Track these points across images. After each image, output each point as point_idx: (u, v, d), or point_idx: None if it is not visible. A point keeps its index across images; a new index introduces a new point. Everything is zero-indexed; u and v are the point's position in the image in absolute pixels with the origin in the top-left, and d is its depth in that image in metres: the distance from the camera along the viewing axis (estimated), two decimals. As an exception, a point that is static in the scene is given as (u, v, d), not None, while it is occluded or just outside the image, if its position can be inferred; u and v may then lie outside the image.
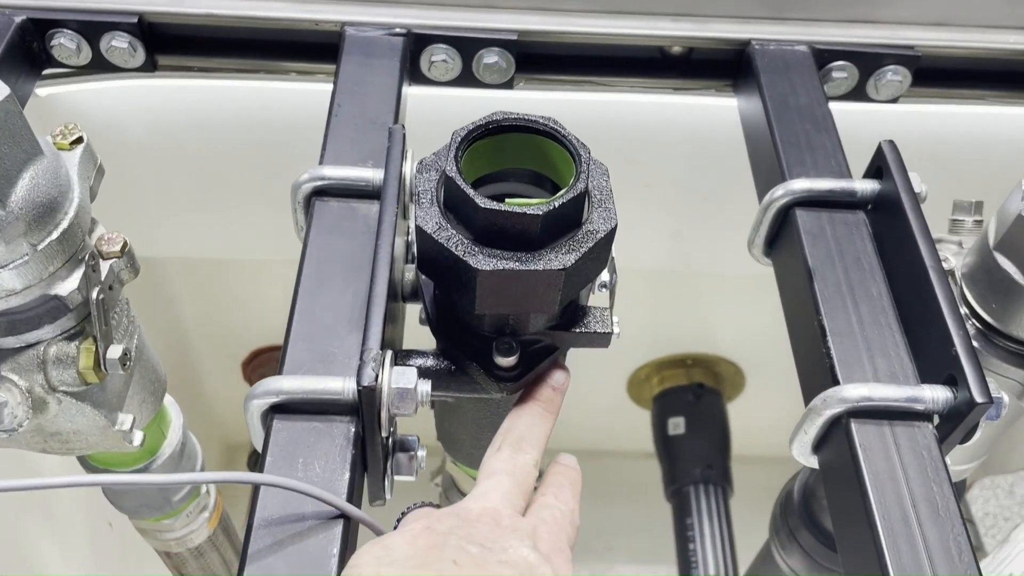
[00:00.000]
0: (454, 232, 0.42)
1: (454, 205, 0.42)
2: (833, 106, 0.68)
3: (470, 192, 0.41)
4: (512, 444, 0.46)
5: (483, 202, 0.40)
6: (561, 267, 0.41)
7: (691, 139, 0.76)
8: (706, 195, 0.83)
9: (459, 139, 0.43)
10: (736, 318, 1.24)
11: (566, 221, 0.42)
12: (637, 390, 1.38)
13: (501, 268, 0.41)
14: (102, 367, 0.49)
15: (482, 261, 0.41)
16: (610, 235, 0.43)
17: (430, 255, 0.43)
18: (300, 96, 0.71)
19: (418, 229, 0.42)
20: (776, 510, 0.78)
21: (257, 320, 1.16)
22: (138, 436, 0.54)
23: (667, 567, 1.30)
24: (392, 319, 0.49)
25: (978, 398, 0.42)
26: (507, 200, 0.41)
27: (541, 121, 0.44)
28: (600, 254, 0.44)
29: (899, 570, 0.40)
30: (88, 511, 0.97)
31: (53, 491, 0.91)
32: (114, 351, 0.49)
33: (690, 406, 1.26)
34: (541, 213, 0.40)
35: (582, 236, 0.43)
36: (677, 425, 1.26)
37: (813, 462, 0.49)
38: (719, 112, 0.72)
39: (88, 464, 0.63)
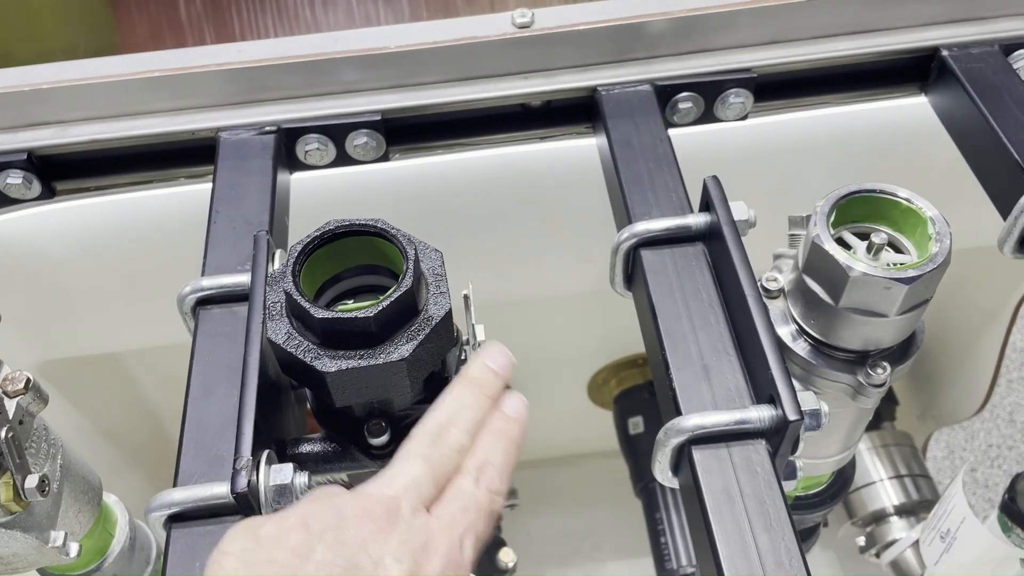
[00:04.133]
0: (302, 339, 0.47)
1: (298, 315, 0.47)
2: (686, 129, 0.72)
3: (306, 305, 0.45)
4: (434, 428, 0.41)
5: (318, 312, 0.45)
6: (400, 358, 0.46)
7: (568, 178, 0.80)
8: (602, 219, 0.88)
9: (295, 254, 0.48)
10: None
11: (401, 315, 0.47)
12: (598, 394, 1.42)
13: (345, 368, 0.45)
14: (22, 496, 0.53)
15: (328, 364, 0.46)
16: (446, 318, 0.48)
17: (285, 361, 0.47)
18: (197, 196, 0.76)
19: (270, 341, 0.47)
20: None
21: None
22: (73, 548, 0.59)
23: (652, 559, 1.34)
24: (279, 410, 0.54)
25: (790, 416, 0.47)
26: (341, 306, 0.46)
27: (371, 223, 0.49)
28: (440, 336, 0.48)
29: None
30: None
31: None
32: (31, 481, 0.53)
33: (646, 404, 1.31)
34: (372, 315, 0.45)
35: (420, 324, 0.47)
36: (636, 424, 1.31)
37: (675, 483, 0.53)
38: (588, 151, 0.76)
39: (46, 573, 0.68)
